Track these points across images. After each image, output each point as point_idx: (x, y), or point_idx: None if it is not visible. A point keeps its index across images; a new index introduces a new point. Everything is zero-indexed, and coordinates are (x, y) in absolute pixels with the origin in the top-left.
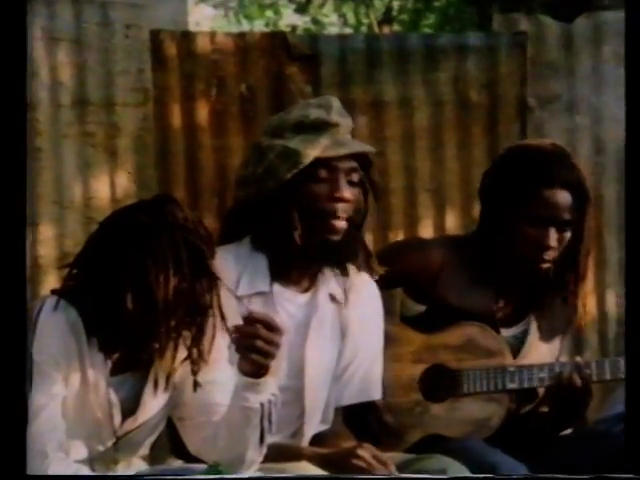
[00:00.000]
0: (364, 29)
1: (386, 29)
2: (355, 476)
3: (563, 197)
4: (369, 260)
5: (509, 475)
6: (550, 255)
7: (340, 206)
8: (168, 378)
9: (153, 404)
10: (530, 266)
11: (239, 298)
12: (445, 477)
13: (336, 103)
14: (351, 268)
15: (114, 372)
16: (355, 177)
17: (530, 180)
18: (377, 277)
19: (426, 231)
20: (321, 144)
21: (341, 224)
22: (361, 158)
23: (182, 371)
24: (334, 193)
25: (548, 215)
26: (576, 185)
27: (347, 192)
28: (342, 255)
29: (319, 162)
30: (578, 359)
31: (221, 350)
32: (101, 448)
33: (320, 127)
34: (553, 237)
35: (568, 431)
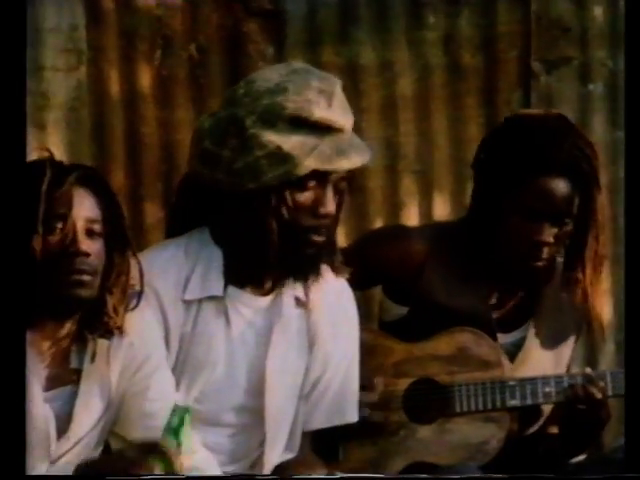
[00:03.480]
0: None
1: None
2: (353, 475)
3: (561, 186)
4: (336, 259)
5: (509, 475)
6: (547, 252)
7: (323, 222)
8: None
9: (86, 419)
10: (524, 264)
11: (187, 302)
12: (445, 477)
13: (339, 89)
14: (318, 268)
15: (47, 387)
16: (341, 185)
17: (524, 164)
18: (346, 277)
19: (410, 220)
20: (321, 154)
21: (320, 239)
22: None
23: (120, 379)
24: (320, 208)
25: (542, 207)
26: (579, 170)
27: (332, 205)
28: (314, 264)
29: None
30: (589, 370)
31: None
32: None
33: (322, 129)
34: (549, 232)
35: (581, 457)
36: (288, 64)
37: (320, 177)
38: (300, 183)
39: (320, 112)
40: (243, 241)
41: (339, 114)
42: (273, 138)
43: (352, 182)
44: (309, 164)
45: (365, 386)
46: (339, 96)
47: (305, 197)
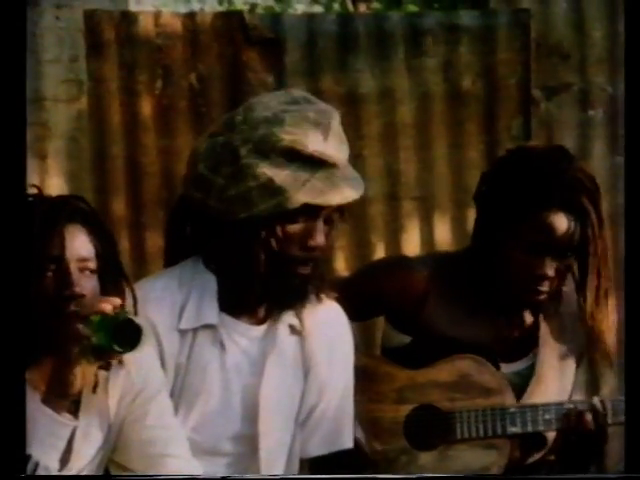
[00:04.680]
0: (336, 7)
1: (362, 7)
2: (355, 476)
3: (562, 220)
4: (321, 289)
5: (509, 475)
6: (546, 286)
7: (312, 254)
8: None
9: (86, 450)
10: (526, 297)
11: (182, 332)
12: (445, 476)
13: (336, 123)
14: (311, 294)
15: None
16: (333, 216)
17: (525, 199)
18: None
19: (411, 247)
20: (313, 188)
21: (307, 270)
22: None
23: (118, 407)
24: (309, 241)
25: (544, 241)
26: (580, 205)
27: (321, 237)
28: (300, 295)
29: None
30: (593, 398)
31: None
32: None
33: (316, 163)
34: (550, 266)
35: None
36: (288, 92)
37: (311, 210)
38: (291, 215)
39: (314, 146)
40: (233, 270)
41: (334, 148)
42: (266, 170)
43: (345, 212)
44: (300, 198)
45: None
46: (336, 129)
47: (295, 229)
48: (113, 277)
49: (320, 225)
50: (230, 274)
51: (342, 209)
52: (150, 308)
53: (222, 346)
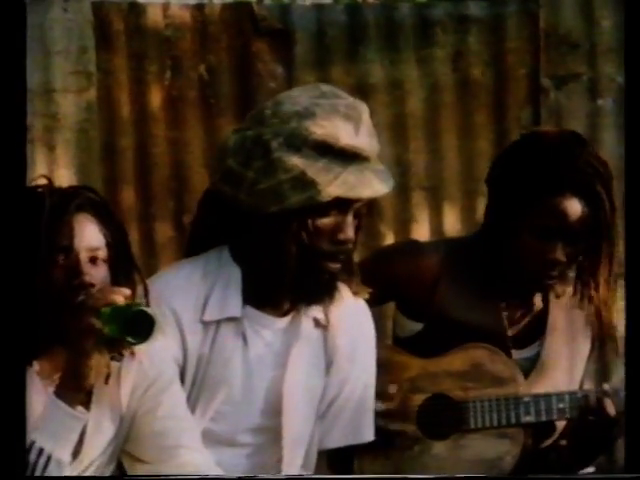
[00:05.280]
0: None
1: None
2: (354, 476)
3: (574, 205)
4: (352, 280)
5: (509, 476)
6: (559, 270)
7: (342, 248)
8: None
9: (98, 442)
10: (537, 281)
11: (206, 323)
12: (444, 476)
13: (366, 117)
14: (337, 289)
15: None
16: (362, 210)
17: (538, 183)
18: (363, 298)
19: (421, 237)
20: (345, 181)
21: (337, 266)
22: None
23: (130, 399)
24: (339, 234)
25: (556, 226)
26: (593, 190)
27: (351, 231)
28: (329, 289)
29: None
30: (606, 386)
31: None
32: None
33: (348, 157)
34: (562, 251)
35: (590, 469)
36: (316, 86)
37: (342, 204)
38: (322, 209)
39: (346, 139)
40: (262, 263)
41: (365, 142)
42: (298, 162)
43: (371, 206)
44: (332, 191)
45: (380, 395)
46: (366, 123)
47: (325, 223)
48: (124, 267)
49: (350, 219)
50: (258, 267)
51: (370, 203)
52: (173, 298)
53: (245, 338)
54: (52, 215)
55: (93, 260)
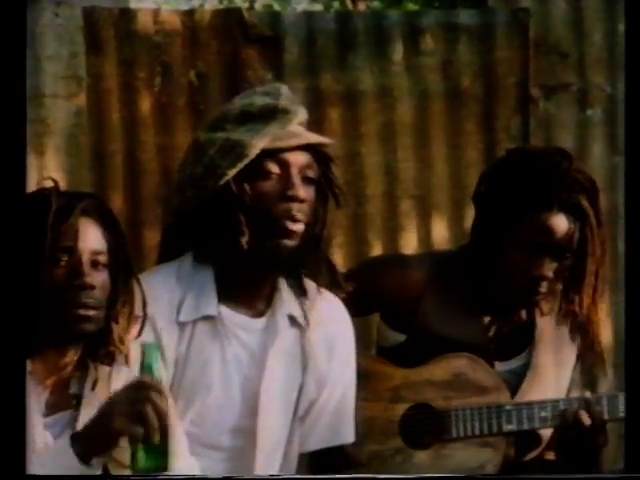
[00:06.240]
0: (336, 6)
1: (362, 6)
2: (354, 476)
3: (561, 221)
4: (334, 276)
5: (509, 476)
6: (545, 287)
7: (294, 206)
8: None
9: None
10: (523, 297)
11: (182, 325)
12: (445, 476)
13: (285, 90)
14: (311, 285)
15: (47, 413)
16: (310, 173)
17: (525, 199)
18: (344, 295)
19: (409, 246)
20: (269, 134)
21: (296, 227)
22: (318, 153)
23: None
24: (287, 191)
25: (543, 242)
26: (579, 206)
27: (302, 190)
28: (298, 263)
29: (267, 155)
30: (588, 394)
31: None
32: None
33: (268, 115)
34: (549, 267)
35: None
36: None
37: (280, 161)
38: (261, 171)
39: (264, 101)
40: (219, 249)
41: (286, 104)
42: (223, 134)
43: (329, 177)
44: (257, 143)
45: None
46: (286, 94)
47: (269, 184)
48: (123, 274)
49: (296, 175)
50: (221, 259)
51: (324, 168)
52: (148, 304)
53: (222, 339)
54: (58, 216)
55: (95, 264)
